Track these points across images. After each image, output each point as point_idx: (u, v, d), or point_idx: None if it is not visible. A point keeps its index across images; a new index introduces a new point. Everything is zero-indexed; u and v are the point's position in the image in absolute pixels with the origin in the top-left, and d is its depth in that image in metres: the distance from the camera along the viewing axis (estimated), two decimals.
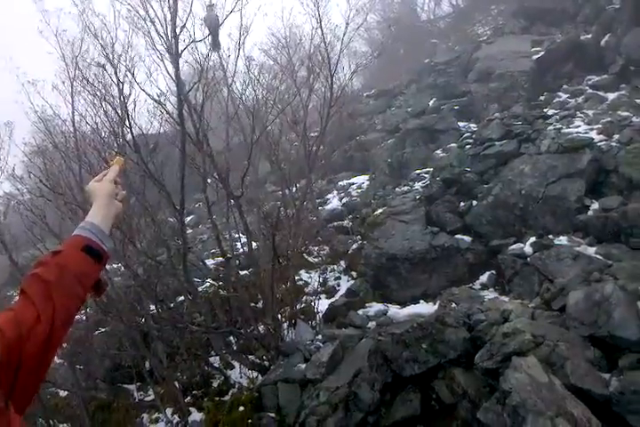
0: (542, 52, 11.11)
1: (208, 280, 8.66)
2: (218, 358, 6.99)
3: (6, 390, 1.20)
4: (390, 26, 19.71)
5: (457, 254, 6.78)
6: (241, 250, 9.11)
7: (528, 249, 6.20)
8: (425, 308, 6.01)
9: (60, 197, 7.35)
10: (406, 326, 5.22)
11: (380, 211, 8.38)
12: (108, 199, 1.58)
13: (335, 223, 9.77)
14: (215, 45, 8.75)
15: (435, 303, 6.17)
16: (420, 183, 9.01)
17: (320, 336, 6.13)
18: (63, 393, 7.47)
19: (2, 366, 1.23)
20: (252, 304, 7.25)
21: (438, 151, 10.08)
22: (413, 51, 19.28)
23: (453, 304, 5.79)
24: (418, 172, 9.68)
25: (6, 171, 8.15)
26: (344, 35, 9.56)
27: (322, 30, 9.66)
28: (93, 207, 1.55)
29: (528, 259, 6.03)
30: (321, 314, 6.85)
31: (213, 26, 7.94)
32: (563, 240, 6.04)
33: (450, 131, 10.68)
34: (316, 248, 9.12)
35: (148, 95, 7.21)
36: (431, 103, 12.91)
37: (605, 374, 3.99)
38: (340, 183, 11.98)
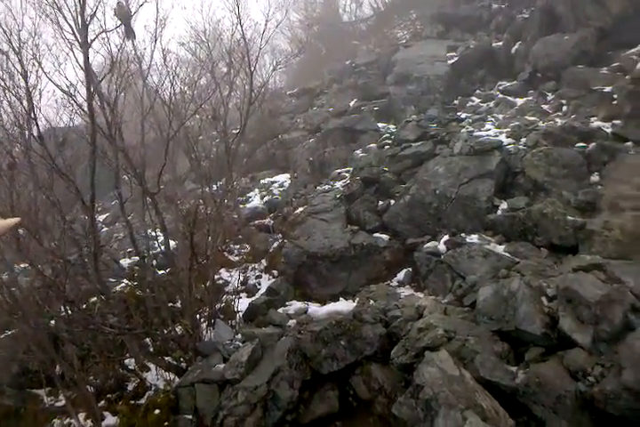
0: (457, 58, 11.56)
1: (123, 281, 8.35)
2: (133, 360, 6.75)
3: None
4: (312, 25, 19.82)
5: (375, 253, 6.92)
6: (158, 249, 8.85)
7: (442, 247, 6.44)
8: (344, 305, 6.07)
9: None
10: (325, 323, 5.27)
11: (300, 209, 8.41)
12: None
13: (257, 222, 9.70)
14: (129, 34, 8.45)
15: (354, 301, 6.26)
16: (340, 182, 9.12)
17: (239, 336, 6.06)
18: None
19: None
20: (171, 304, 7.07)
21: (358, 151, 10.25)
22: (335, 51, 19.49)
23: (371, 301, 5.90)
24: (338, 171, 9.81)
25: None
26: (264, 31, 9.53)
27: (241, 26, 9.57)
28: None
29: (442, 256, 6.25)
30: (241, 313, 6.78)
31: (124, 14, 7.64)
32: (474, 238, 6.31)
33: (369, 131, 10.90)
34: (237, 247, 9.01)
35: (57, 86, 6.86)
36: (352, 104, 13.11)
37: (513, 367, 4.19)
38: (261, 181, 11.91)
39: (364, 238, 7.05)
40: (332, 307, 6.19)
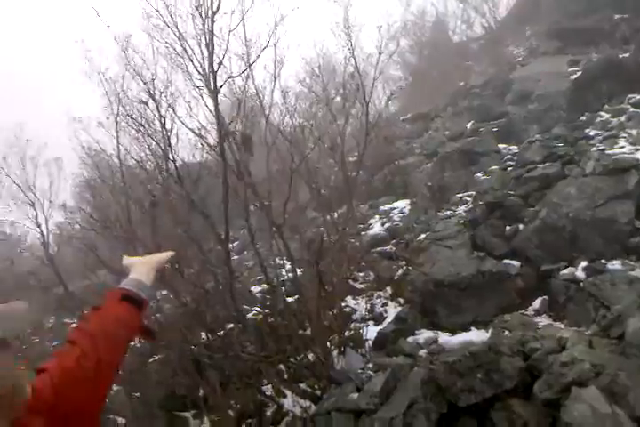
0: (580, 72, 11.06)
1: (255, 309, 8.74)
2: (270, 386, 7.02)
3: (54, 422, 1.29)
4: (423, 50, 19.88)
5: (506, 280, 6.69)
6: (286, 277, 9.18)
7: (580, 274, 6.09)
8: (476, 335, 5.93)
9: (108, 230, 7.62)
10: (458, 354, 5.15)
11: (423, 236, 8.36)
12: (148, 264, 1.81)
13: (379, 248, 9.76)
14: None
15: (487, 330, 6.08)
16: (462, 207, 8.98)
17: (370, 365, 6.10)
18: (121, 420, 7.58)
19: (49, 402, 1.33)
20: (301, 332, 7.28)
21: (479, 174, 10.05)
22: (447, 74, 19.37)
23: (506, 332, 5.71)
24: (459, 195, 9.66)
25: (57, 204, 8.52)
26: (377, 63, 9.74)
27: (354, 59, 9.86)
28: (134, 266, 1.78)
29: (581, 284, 5.92)
30: (370, 342, 6.83)
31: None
32: (616, 264, 5.92)
33: (490, 153, 10.66)
34: (362, 274, 9.12)
35: (190, 129, 7.51)
36: (469, 126, 12.92)
37: None
38: (381, 208, 11.99)
39: (492, 265, 6.86)
40: (463, 337, 6.07)
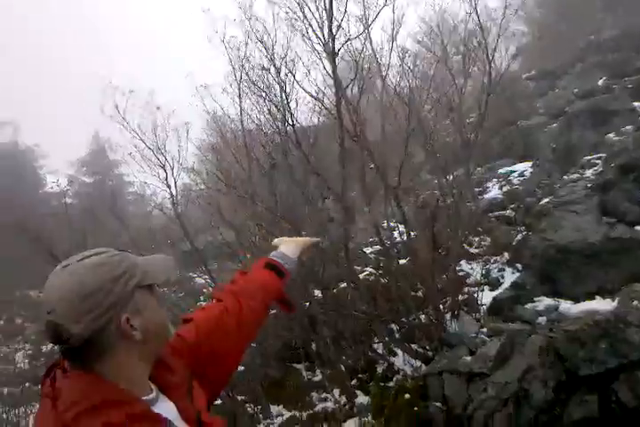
0: None
1: (367, 269, 8.89)
2: (381, 344, 7.19)
3: (194, 371, 1.40)
4: (550, 2, 18.42)
5: (638, 247, 6.25)
6: (398, 239, 9.20)
7: None
8: (601, 304, 5.63)
9: (231, 190, 8.02)
10: (581, 323, 4.96)
11: (546, 200, 7.97)
12: (297, 242, 1.96)
13: (496, 213, 9.47)
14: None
15: (613, 300, 5.76)
16: (590, 170, 8.41)
17: (484, 329, 6.04)
18: (240, 368, 8.15)
19: (192, 347, 1.45)
20: (413, 294, 7.32)
21: (611, 135, 9.31)
22: (576, 27, 17.84)
23: (635, 302, 5.38)
24: (588, 158, 9.04)
25: (186, 166, 9.07)
26: (502, 18, 9.17)
27: (477, 14, 9.36)
28: (284, 243, 1.94)
29: None
30: (485, 307, 6.74)
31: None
32: None
33: (623, 112, 9.83)
34: (477, 239, 8.93)
35: (308, 93, 7.59)
36: (600, 83, 11.94)
37: None
38: (499, 171, 11.54)
39: (623, 231, 6.41)
40: (587, 306, 5.80)
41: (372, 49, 8.94)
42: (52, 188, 19.46)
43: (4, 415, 10.80)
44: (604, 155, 8.64)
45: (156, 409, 1.17)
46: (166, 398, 1.25)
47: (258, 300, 1.67)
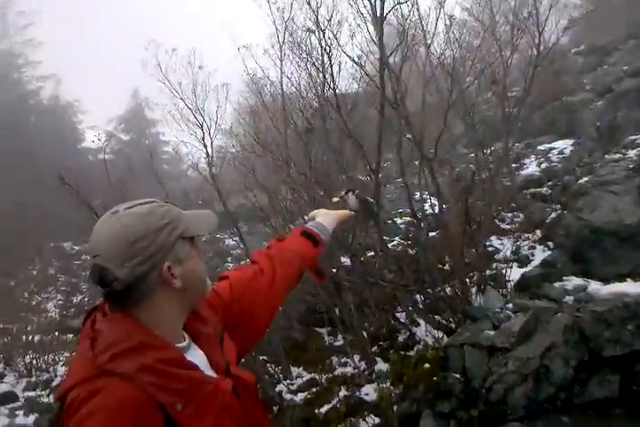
0: None
1: (396, 239, 8.90)
2: (404, 314, 7.26)
3: (226, 325, 1.46)
4: None
5: None
6: (429, 211, 9.15)
7: None
8: (632, 287, 5.54)
9: (267, 154, 8.04)
10: (609, 304, 4.93)
11: (585, 179, 7.79)
12: (334, 215, 1.99)
13: (532, 190, 9.31)
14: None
15: None
16: (634, 151, 8.15)
17: (510, 305, 6.03)
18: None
19: (226, 303, 1.52)
20: (440, 266, 7.32)
21: None
22: (633, 1, 16.98)
23: None
24: (632, 138, 8.75)
25: (224, 127, 9.11)
26: None
27: None
28: (321, 215, 1.97)
29: None
30: (512, 283, 6.71)
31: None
32: None
33: None
34: (510, 215, 8.83)
35: (350, 58, 7.47)
36: None
37: None
38: (539, 147, 11.28)
39: None
40: (617, 287, 5.72)
41: (419, 15, 8.72)
42: (92, 141, 19.75)
43: (35, 362, 11.33)
44: None
45: (188, 357, 1.23)
46: (197, 348, 1.31)
47: (293, 266, 1.72)
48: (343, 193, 2.24)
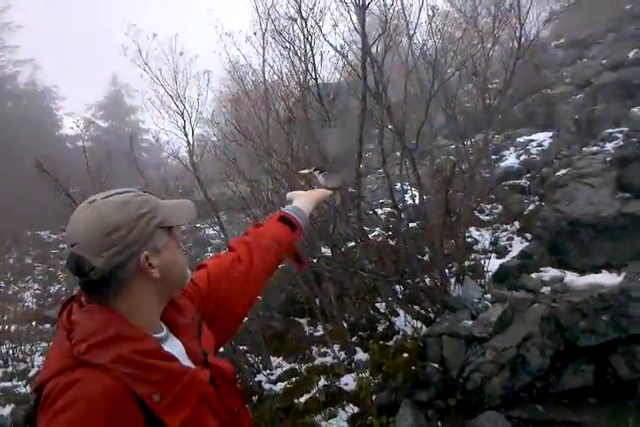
0: None
1: (377, 229, 8.93)
2: (384, 304, 7.31)
3: (203, 314, 1.45)
4: None
5: None
6: (409, 202, 9.20)
7: None
8: (607, 278, 5.66)
9: (249, 142, 7.98)
10: (585, 295, 5.01)
11: (563, 172, 7.91)
12: (310, 196, 1.95)
13: (510, 182, 9.41)
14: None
15: (619, 275, 5.79)
16: (611, 144, 8.28)
17: (489, 295, 6.10)
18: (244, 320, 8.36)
19: (203, 292, 1.51)
20: (420, 257, 7.38)
21: (636, 109, 9.14)
22: None
23: None
24: (610, 131, 8.89)
25: (205, 116, 9.00)
26: None
27: None
28: (297, 197, 1.94)
29: None
30: (490, 273, 6.79)
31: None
32: None
33: None
34: (489, 206, 8.92)
35: (333, 47, 7.43)
36: (631, 54, 11.61)
37: None
38: (518, 139, 11.39)
39: (638, 207, 6.37)
40: (592, 278, 5.83)
41: (402, 5, 8.69)
42: (71, 128, 19.46)
43: (11, 352, 11.19)
44: (626, 129, 8.49)
45: (166, 347, 1.22)
46: (175, 338, 1.30)
47: (270, 252, 1.70)
48: (312, 170, 2.20)
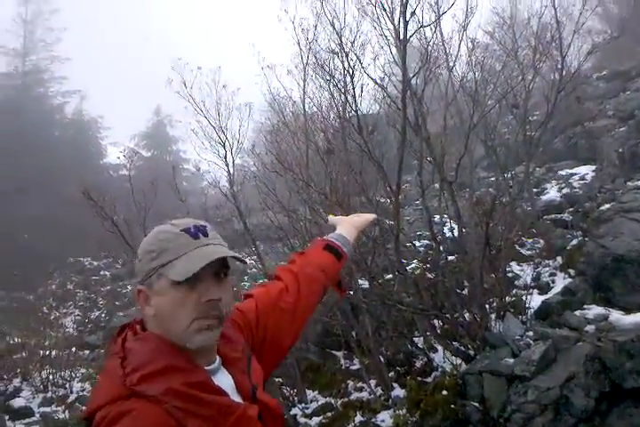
0: None
1: (414, 262, 8.82)
2: (422, 339, 7.16)
3: (252, 346, 1.44)
4: None
5: None
6: (448, 235, 9.08)
7: None
8: None
9: (288, 173, 8.07)
10: (631, 334, 4.84)
11: (607, 206, 7.70)
12: (353, 223, 1.95)
13: (552, 216, 9.22)
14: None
15: None
16: None
17: (530, 333, 5.93)
18: None
19: (252, 323, 1.49)
20: (459, 291, 7.24)
21: None
22: None
23: None
24: None
25: (246, 146, 9.19)
26: (580, 13, 8.81)
27: (554, 7, 9.05)
28: (340, 223, 1.94)
29: None
30: (532, 310, 6.60)
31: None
32: None
33: None
34: (530, 240, 8.72)
35: (373, 80, 7.52)
36: None
37: None
38: (560, 173, 11.20)
39: None
40: (638, 317, 5.60)
41: (442, 38, 8.78)
42: (118, 158, 20.14)
43: (51, 377, 11.32)
44: None
45: (215, 380, 1.21)
46: (226, 371, 1.29)
47: (317, 282, 1.67)
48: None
